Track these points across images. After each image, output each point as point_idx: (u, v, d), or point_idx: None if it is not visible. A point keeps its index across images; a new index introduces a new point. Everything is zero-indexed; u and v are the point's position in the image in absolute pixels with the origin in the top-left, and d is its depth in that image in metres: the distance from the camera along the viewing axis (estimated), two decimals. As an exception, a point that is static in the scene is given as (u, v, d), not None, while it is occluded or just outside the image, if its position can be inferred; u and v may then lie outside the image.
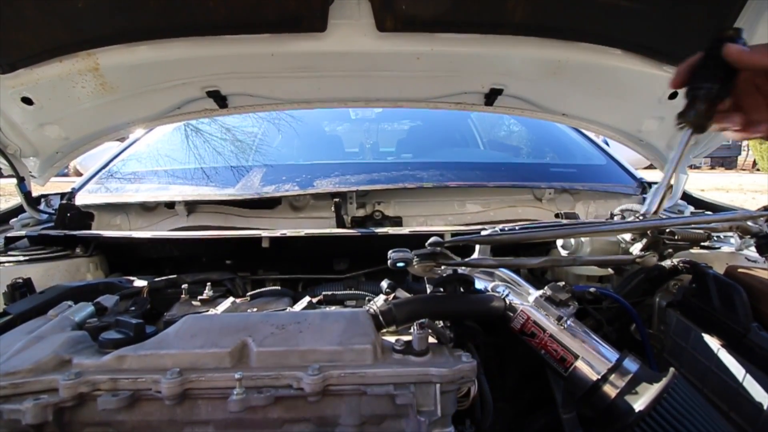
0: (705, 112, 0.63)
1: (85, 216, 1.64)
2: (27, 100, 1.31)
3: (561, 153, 2.32)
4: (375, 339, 0.81)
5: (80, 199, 1.77)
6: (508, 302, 0.94)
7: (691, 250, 1.23)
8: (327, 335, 0.81)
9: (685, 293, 1.09)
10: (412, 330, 0.83)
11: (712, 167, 19.96)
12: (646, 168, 2.09)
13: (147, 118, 1.54)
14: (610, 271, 1.29)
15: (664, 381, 0.80)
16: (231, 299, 1.14)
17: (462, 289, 0.97)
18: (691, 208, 1.71)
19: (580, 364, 0.86)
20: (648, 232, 1.10)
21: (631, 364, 0.85)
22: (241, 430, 0.77)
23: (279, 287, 1.31)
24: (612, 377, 0.83)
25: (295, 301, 1.16)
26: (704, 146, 1.53)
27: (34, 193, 1.66)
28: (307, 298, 1.14)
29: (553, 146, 2.38)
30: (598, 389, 0.84)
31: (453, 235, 1.31)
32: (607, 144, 2.22)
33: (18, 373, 0.74)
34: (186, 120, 1.77)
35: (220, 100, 1.46)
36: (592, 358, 0.86)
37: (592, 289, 1.11)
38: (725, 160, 20.43)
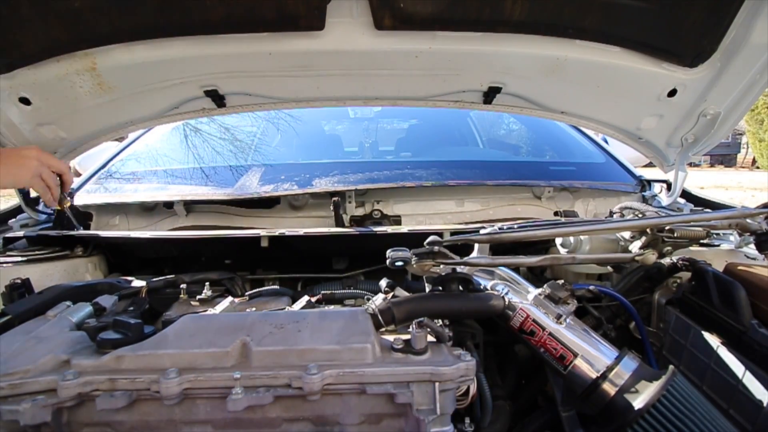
0: None
1: (83, 216, 1.64)
2: (24, 101, 1.31)
3: (560, 151, 2.31)
4: (374, 338, 0.81)
5: (79, 199, 1.77)
6: (507, 301, 0.94)
7: (691, 248, 1.23)
8: (326, 334, 0.81)
9: (684, 291, 1.09)
10: (411, 329, 0.83)
11: (712, 165, 19.95)
12: (645, 166, 2.09)
13: (145, 117, 1.53)
14: (610, 269, 1.29)
15: (663, 379, 0.80)
16: (230, 299, 1.14)
17: (461, 288, 0.97)
18: (691, 206, 1.71)
19: (579, 362, 0.86)
20: (647, 229, 1.10)
21: (630, 362, 0.85)
22: (240, 429, 0.77)
23: (278, 287, 1.31)
24: (611, 375, 0.83)
25: (294, 300, 1.16)
26: (703, 144, 1.53)
27: (33, 194, 1.65)
28: (305, 298, 1.14)
29: (552, 144, 2.37)
30: (597, 387, 0.84)
31: (452, 233, 1.31)
32: (606, 142, 2.22)
33: (16, 373, 0.74)
34: (184, 119, 1.77)
35: (219, 99, 1.46)
36: (591, 356, 0.86)
37: (591, 288, 1.10)
38: (725, 158, 20.42)
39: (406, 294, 1.00)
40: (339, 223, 1.59)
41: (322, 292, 1.23)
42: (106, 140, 1.63)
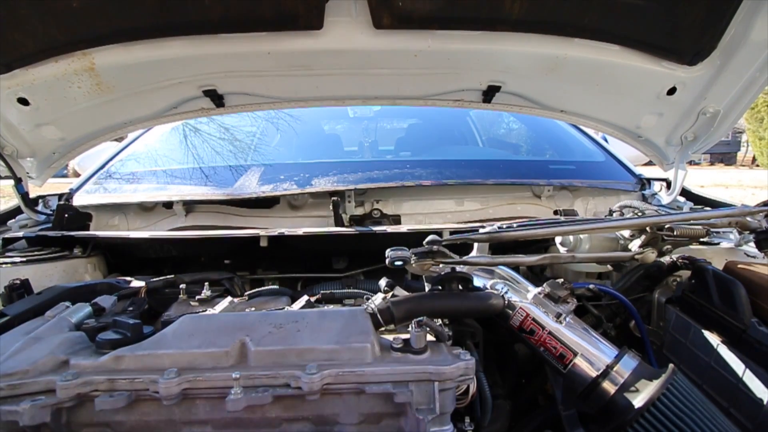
0: None
1: (83, 216, 1.63)
2: (23, 101, 1.31)
3: (560, 150, 2.31)
4: (373, 337, 0.81)
5: (78, 200, 1.77)
6: (506, 300, 0.94)
7: (691, 246, 1.23)
8: (325, 334, 0.81)
9: (684, 289, 1.09)
10: (410, 328, 0.83)
11: (712, 163, 19.96)
12: (645, 164, 2.09)
13: (144, 117, 1.53)
14: (609, 267, 1.29)
15: (663, 377, 0.80)
16: (229, 299, 1.14)
17: (461, 287, 0.97)
18: (691, 204, 1.71)
19: (579, 360, 0.86)
20: (647, 228, 1.10)
21: (630, 361, 0.85)
22: (239, 429, 0.77)
23: (277, 286, 1.31)
24: (611, 374, 0.83)
25: (293, 300, 1.16)
26: (703, 142, 1.53)
27: (32, 194, 1.65)
28: (305, 297, 1.14)
29: (552, 143, 2.37)
30: (597, 386, 0.84)
31: (451, 233, 1.31)
32: (605, 140, 2.22)
33: (15, 374, 0.74)
34: (183, 119, 1.77)
35: (217, 99, 1.46)
36: (591, 355, 0.86)
37: (591, 286, 1.10)
38: (725, 156, 20.43)
39: (406, 293, 1.00)
40: (338, 222, 1.59)
41: (322, 291, 1.22)
42: (105, 140, 1.63)
